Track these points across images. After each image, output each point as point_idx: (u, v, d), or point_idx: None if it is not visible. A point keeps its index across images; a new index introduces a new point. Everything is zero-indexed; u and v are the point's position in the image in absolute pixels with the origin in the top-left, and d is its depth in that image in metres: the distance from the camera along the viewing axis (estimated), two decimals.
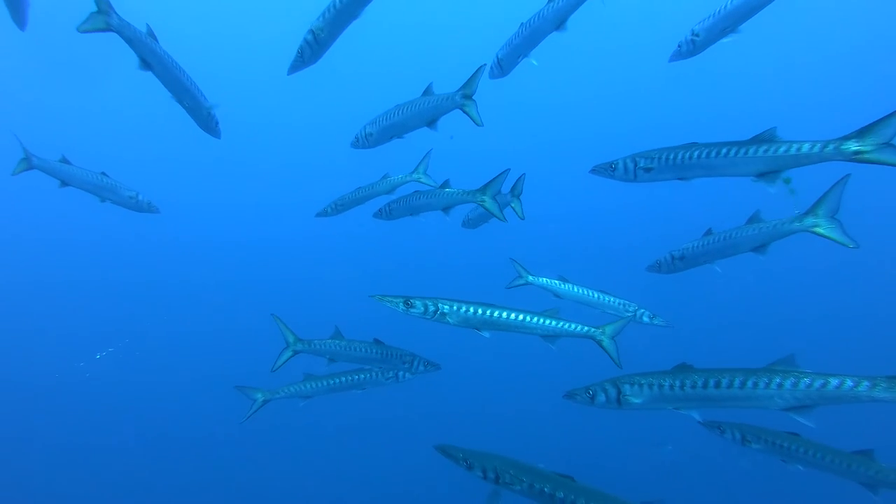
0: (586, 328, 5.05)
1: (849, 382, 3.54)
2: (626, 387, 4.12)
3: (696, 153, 4.33)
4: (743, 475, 11.74)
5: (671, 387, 4.01)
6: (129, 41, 4.94)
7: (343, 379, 6.59)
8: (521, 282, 7.55)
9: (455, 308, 4.74)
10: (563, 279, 7.42)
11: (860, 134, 3.79)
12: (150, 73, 5.14)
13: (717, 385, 3.87)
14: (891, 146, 3.70)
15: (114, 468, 13.40)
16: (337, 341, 6.33)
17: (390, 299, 4.68)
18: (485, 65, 5.65)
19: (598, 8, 6.15)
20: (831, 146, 3.87)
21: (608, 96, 28.41)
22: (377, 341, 6.34)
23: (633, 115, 26.67)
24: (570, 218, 24.45)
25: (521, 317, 4.92)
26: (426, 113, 5.96)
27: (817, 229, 4.74)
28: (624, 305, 7.23)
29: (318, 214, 8.16)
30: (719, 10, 5.49)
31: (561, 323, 5.02)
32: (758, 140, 4.15)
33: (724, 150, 4.23)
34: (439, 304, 4.73)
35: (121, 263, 22.10)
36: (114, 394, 15.77)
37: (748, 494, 12.11)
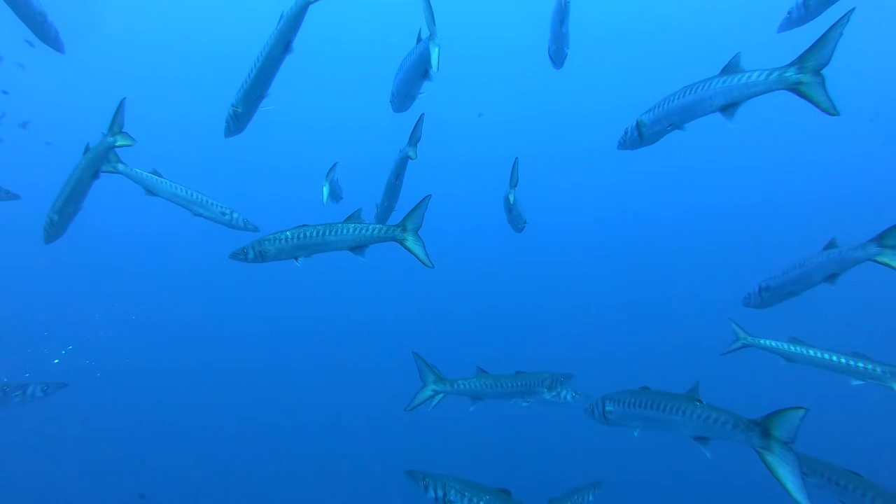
0: (385, 228, 4.75)
1: (722, 418, 3.95)
2: (608, 402, 4.60)
3: (676, 99, 4.56)
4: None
5: (630, 404, 4.48)
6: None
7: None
8: (739, 345, 6.52)
9: (274, 240, 4.89)
10: (796, 340, 6.13)
11: (801, 60, 3.89)
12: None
13: (650, 406, 4.33)
14: (823, 81, 3.83)
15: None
16: (481, 379, 5.94)
17: (240, 254, 4.94)
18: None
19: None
20: (775, 74, 4.00)
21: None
22: (519, 373, 6.03)
23: None
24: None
25: (321, 231, 4.78)
26: (414, 68, 5.42)
27: (880, 258, 4.65)
28: (888, 372, 5.57)
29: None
30: None
31: (359, 228, 4.73)
32: (723, 72, 4.30)
33: (695, 88, 4.44)
34: (264, 244, 4.90)
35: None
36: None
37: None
